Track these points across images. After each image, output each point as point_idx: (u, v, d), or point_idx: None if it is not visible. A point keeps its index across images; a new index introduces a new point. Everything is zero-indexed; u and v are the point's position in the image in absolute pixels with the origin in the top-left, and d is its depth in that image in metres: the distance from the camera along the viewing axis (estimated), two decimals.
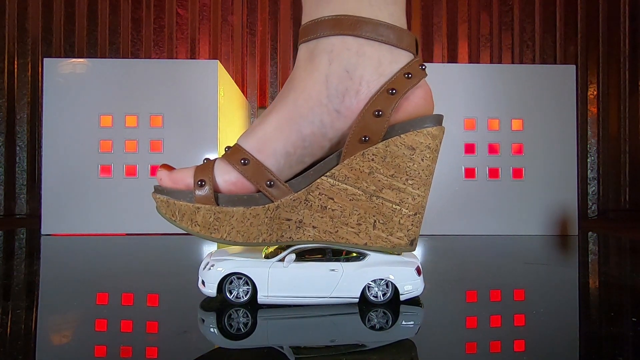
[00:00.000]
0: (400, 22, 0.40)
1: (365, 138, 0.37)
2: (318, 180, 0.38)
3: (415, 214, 0.39)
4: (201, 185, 0.38)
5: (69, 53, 1.35)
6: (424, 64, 0.40)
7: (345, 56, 0.38)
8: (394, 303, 0.40)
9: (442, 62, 1.41)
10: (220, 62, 0.97)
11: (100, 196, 0.93)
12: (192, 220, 0.38)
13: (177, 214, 0.38)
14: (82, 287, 0.48)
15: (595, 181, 1.39)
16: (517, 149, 0.95)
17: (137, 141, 0.94)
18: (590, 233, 1.00)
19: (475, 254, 0.72)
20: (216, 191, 0.38)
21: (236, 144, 0.40)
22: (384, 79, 0.38)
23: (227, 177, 0.38)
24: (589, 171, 1.40)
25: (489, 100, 0.95)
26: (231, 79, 1.10)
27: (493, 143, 0.95)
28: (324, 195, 0.38)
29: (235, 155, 0.38)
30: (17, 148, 1.34)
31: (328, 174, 0.38)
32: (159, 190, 0.40)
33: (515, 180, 0.94)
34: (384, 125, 0.37)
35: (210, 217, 0.38)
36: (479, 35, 1.41)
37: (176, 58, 1.38)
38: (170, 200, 0.39)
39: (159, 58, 1.37)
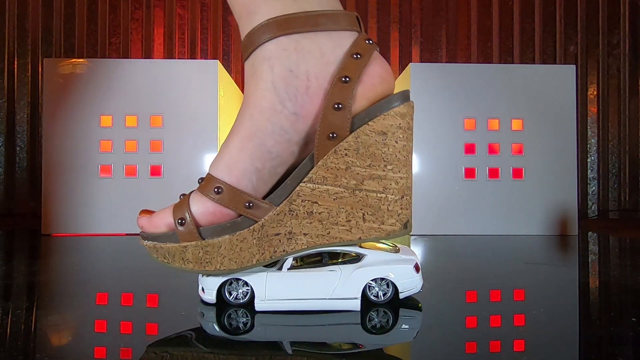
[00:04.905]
0: (332, 6, 0.38)
1: (332, 135, 0.36)
2: (297, 188, 0.37)
3: (402, 197, 0.38)
4: (182, 224, 0.37)
5: (69, 53, 1.35)
6: (370, 38, 0.38)
7: (284, 57, 0.37)
8: (393, 303, 0.40)
9: (442, 62, 1.41)
10: (220, 62, 0.97)
11: (100, 196, 0.93)
12: (183, 259, 0.38)
13: (167, 256, 0.38)
14: (82, 287, 0.48)
15: (595, 181, 1.39)
16: (517, 149, 0.95)
17: (137, 141, 0.94)
18: (590, 233, 1.00)
19: (475, 254, 0.72)
20: (198, 226, 0.37)
21: (208, 173, 0.39)
22: (332, 66, 0.37)
23: (204, 210, 0.38)
24: (589, 171, 1.40)
25: (489, 100, 0.95)
26: (231, 79, 1.10)
27: (493, 143, 0.95)
28: (307, 201, 0.37)
29: (208, 185, 0.38)
30: (17, 148, 1.34)
31: (306, 179, 0.37)
32: (144, 236, 0.39)
33: (515, 180, 0.94)
34: (347, 117, 0.36)
35: (199, 252, 0.37)
36: (479, 35, 1.41)
37: (176, 58, 1.38)
38: (157, 244, 0.38)
39: (159, 58, 1.37)
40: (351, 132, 0.37)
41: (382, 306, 0.39)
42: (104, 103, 0.93)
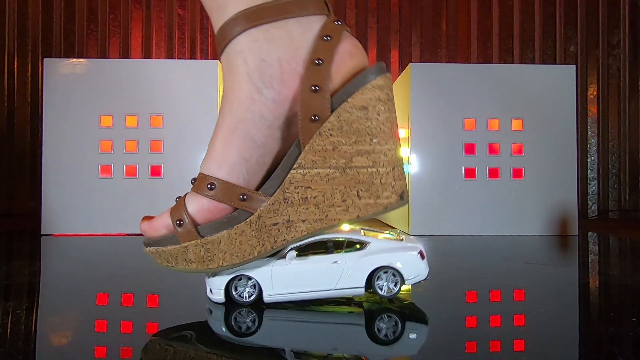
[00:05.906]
0: None
1: (314, 117, 0.37)
2: (289, 176, 0.37)
3: (394, 169, 0.38)
4: (180, 225, 0.38)
5: (69, 53, 1.35)
6: (340, 20, 0.39)
7: (256, 48, 0.37)
8: (398, 305, 0.40)
9: (442, 62, 1.41)
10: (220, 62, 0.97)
11: (100, 196, 0.93)
12: (185, 260, 0.38)
13: (171, 259, 0.38)
14: (82, 287, 0.48)
15: (595, 181, 1.39)
16: (517, 149, 0.95)
17: (137, 141, 0.94)
18: (590, 233, 1.00)
19: (475, 254, 0.72)
20: (196, 224, 0.38)
21: (199, 173, 0.39)
22: (303, 50, 0.37)
23: (199, 207, 0.38)
24: (589, 171, 1.40)
25: (489, 100, 0.95)
26: None
27: (493, 143, 0.95)
28: (300, 187, 0.37)
29: (201, 183, 0.38)
30: (17, 148, 1.34)
31: (295, 165, 0.37)
32: (147, 243, 0.40)
33: (515, 180, 0.94)
34: (326, 97, 0.37)
35: (200, 250, 0.37)
36: (479, 35, 1.41)
37: (176, 58, 1.38)
38: (159, 249, 0.39)
39: (159, 58, 1.37)
40: (332, 111, 0.37)
41: (387, 311, 0.39)
42: (104, 103, 0.93)
